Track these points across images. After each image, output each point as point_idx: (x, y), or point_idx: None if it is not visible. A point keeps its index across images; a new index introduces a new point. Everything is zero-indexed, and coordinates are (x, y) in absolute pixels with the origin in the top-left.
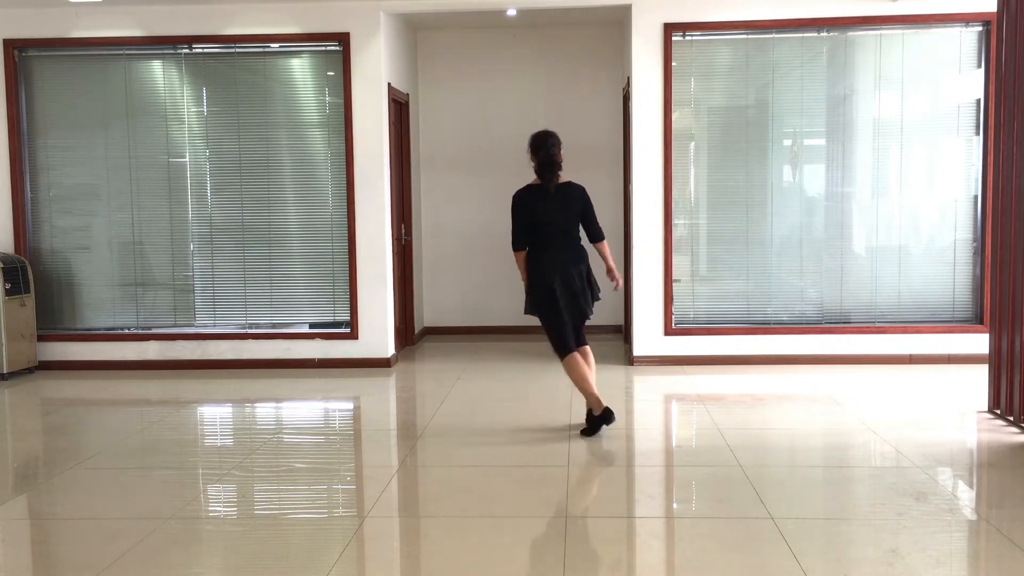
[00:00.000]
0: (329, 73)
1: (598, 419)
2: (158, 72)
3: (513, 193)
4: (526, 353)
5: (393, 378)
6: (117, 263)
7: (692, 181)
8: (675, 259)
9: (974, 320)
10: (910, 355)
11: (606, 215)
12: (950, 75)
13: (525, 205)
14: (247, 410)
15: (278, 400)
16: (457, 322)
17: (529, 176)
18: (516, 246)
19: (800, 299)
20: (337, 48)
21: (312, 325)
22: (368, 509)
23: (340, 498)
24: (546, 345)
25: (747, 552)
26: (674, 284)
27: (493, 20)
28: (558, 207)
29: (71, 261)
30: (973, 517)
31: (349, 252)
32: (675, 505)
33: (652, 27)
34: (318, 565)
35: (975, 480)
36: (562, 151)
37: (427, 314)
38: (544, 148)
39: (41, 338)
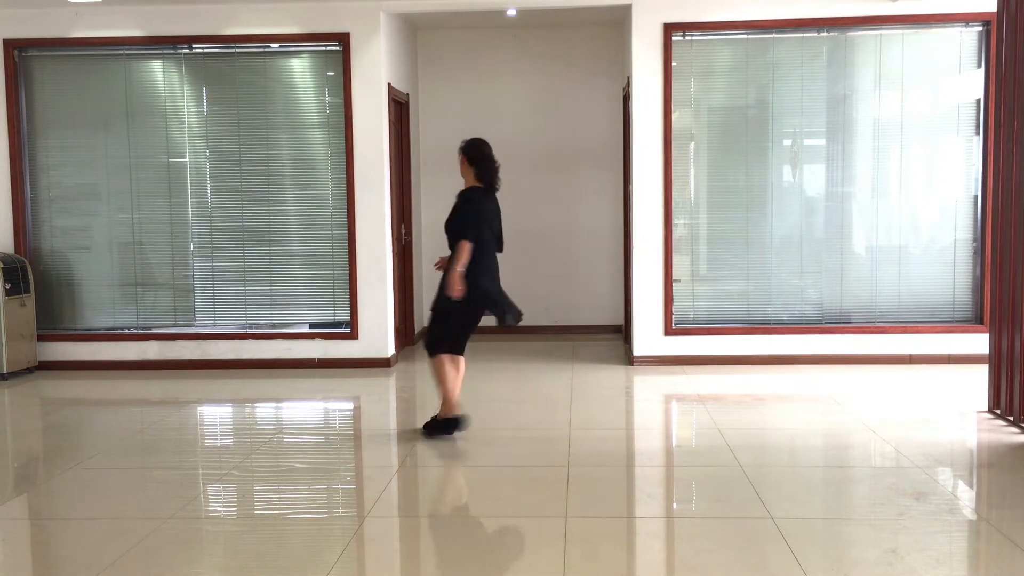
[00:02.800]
0: (329, 73)
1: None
2: (158, 72)
3: (470, 193)
4: (526, 353)
5: (393, 378)
6: (117, 263)
7: (692, 181)
8: (675, 259)
9: (974, 320)
10: (910, 355)
11: (607, 215)
12: (950, 75)
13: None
14: (247, 410)
15: (278, 400)
16: None
17: (534, 177)
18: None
19: (800, 299)
20: (337, 48)
21: (312, 325)
22: (368, 509)
23: (340, 498)
24: (547, 345)
25: (747, 552)
26: (674, 284)
27: (493, 20)
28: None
29: (71, 261)
30: (973, 517)
31: (349, 252)
32: (675, 505)
33: (652, 27)
34: (318, 565)
35: (975, 480)
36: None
37: (427, 314)
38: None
39: (41, 338)
